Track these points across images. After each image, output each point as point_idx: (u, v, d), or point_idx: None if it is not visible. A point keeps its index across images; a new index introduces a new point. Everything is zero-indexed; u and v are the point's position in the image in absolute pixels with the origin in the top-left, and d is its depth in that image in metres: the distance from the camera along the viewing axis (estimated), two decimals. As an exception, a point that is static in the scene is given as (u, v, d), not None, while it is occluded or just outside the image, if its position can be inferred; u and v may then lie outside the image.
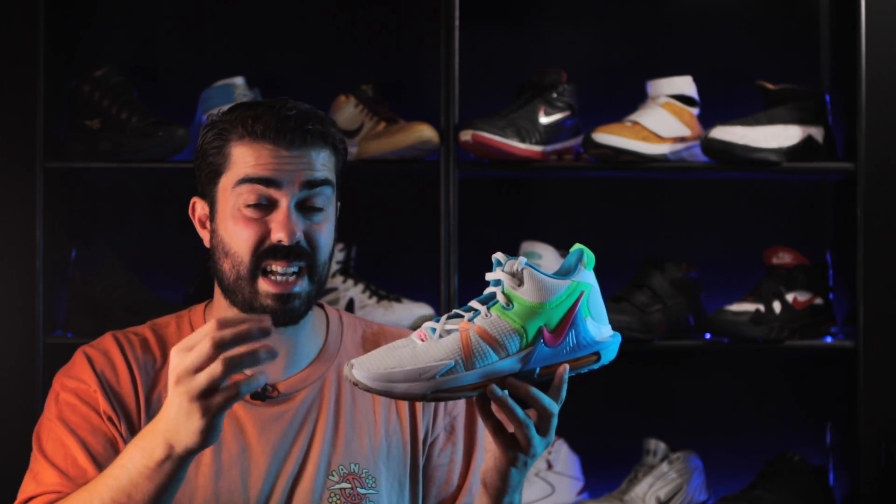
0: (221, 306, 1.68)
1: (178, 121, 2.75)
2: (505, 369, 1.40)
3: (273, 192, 1.60)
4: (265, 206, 1.60)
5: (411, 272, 2.95)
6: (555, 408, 1.44)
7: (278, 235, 1.59)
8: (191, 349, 1.38)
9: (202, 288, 2.74)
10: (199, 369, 1.38)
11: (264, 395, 1.66)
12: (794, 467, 2.80)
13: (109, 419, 1.63)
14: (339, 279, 2.81)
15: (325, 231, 1.64)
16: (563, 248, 2.84)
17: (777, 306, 2.79)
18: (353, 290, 2.80)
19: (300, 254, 1.60)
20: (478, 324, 1.41)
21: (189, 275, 2.81)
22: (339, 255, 2.83)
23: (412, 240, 2.96)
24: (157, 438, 1.43)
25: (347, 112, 2.80)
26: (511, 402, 1.41)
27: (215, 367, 1.37)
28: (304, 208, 1.62)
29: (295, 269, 1.61)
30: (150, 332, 1.71)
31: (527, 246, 2.84)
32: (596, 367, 1.46)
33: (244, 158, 1.60)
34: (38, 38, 2.69)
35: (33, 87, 2.70)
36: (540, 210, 3.01)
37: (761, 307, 2.78)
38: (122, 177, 2.92)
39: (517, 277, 1.42)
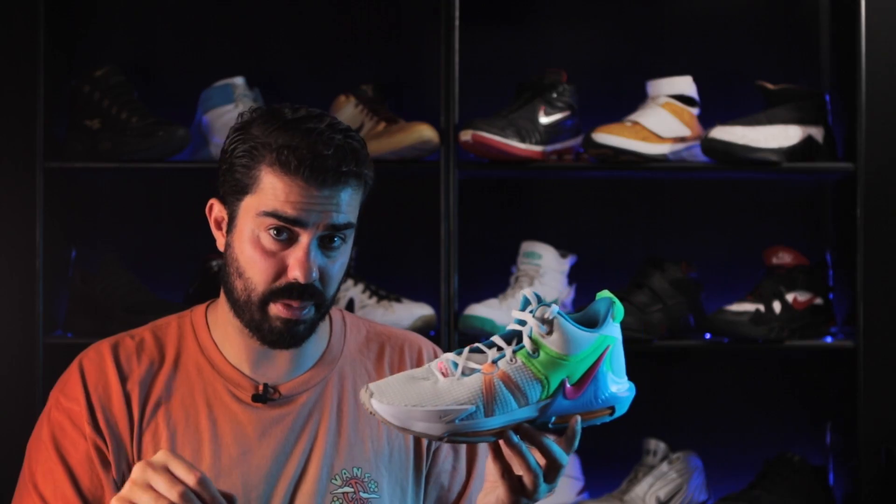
0: (226, 311, 1.66)
1: (178, 121, 2.75)
2: (523, 418, 1.40)
3: (296, 229, 1.57)
4: (284, 237, 1.58)
5: (411, 272, 2.95)
6: (565, 459, 1.44)
7: (295, 273, 1.57)
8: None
9: (202, 288, 2.74)
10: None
11: (265, 397, 1.65)
12: (794, 467, 2.80)
13: (96, 446, 1.62)
14: (339, 279, 2.81)
15: (339, 263, 1.62)
16: (563, 249, 2.84)
17: (777, 306, 2.79)
18: (353, 290, 2.80)
19: (313, 293, 1.59)
20: (502, 368, 1.39)
21: (189, 275, 2.81)
22: (339, 255, 2.83)
23: (412, 240, 2.95)
24: None
25: (347, 112, 2.80)
26: (525, 449, 1.41)
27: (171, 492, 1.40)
28: (324, 241, 1.60)
29: (306, 304, 1.60)
30: (149, 334, 1.70)
31: (527, 246, 2.84)
32: (608, 420, 1.45)
33: (274, 190, 1.56)
34: (38, 38, 2.69)
35: (33, 87, 2.70)
36: (540, 210, 3.01)
37: (761, 307, 2.78)
38: (122, 177, 2.92)
39: (547, 324, 1.40)
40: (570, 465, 2.84)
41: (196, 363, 1.67)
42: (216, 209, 1.65)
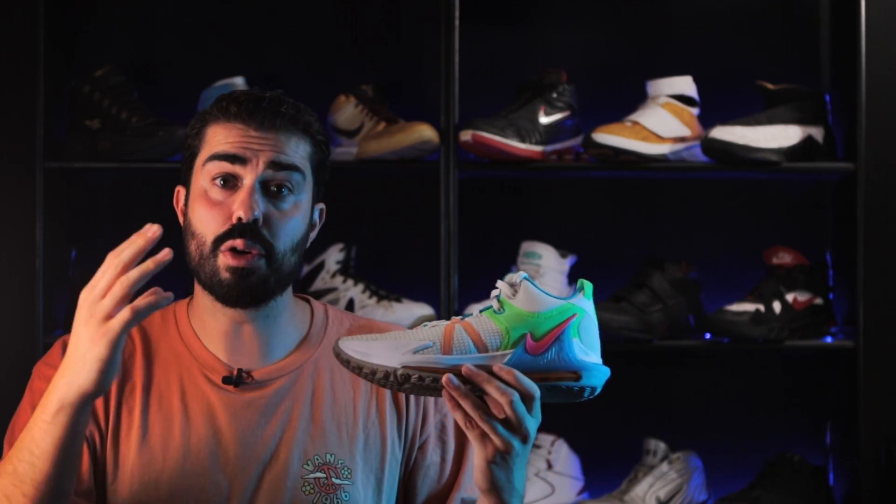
0: (198, 293, 1.71)
1: (178, 121, 2.75)
2: (480, 363, 1.43)
3: (238, 169, 1.62)
4: (231, 185, 1.62)
5: (411, 272, 2.95)
6: (512, 394, 1.42)
7: (238, 213, 1.60)
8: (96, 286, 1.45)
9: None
10: (104, 297, 1.45)
11: (238, 380, 1.67)
12: (794, 467, 2.80)
13: None
14: (339, 279, 2.81)
15: (291, 221, 1.64)
16: (563, 248, 2.85)
17: (777, 306, 2.79)
18: (353, 290, 2.80)
19: (256, 235, 1.61)
20: (465, 320, 1.45)
21: (189, 275, 2.81)
22: (339, 255, 2.83)
23: (412, 240, 2.96)
24: (53, 388, 1.48)
25: (347, 112, 2.80)
26: (465, 390, 1.42)
27: (116, 289, 1.44)
28: (270, 192, 1.63)
29: (252, 248, 1.61)
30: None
31: (527, 246, 2.84)
32: (576, 387, 1.46)
33: (216, 137, 1.64)
34: (38, 38, 2.69)
35: (33, 87, 2.70)
36: (540, 210, 3.01)
37: (761, 307, 2.78)
38: (122, 177, 2.92)
39: (514, 288, 1.44)
40: (571, 464, 2.84)
41: (174, 349, 1.70)
42: (181, 196, 1.71)
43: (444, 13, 2.72)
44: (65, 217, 2.84)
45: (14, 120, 2.76)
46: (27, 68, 2.71)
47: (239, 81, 2.77)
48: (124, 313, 1.43)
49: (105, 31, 2.96)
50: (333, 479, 1.67)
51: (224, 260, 1.61)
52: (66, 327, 2.77)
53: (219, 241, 1.61)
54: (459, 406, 1.43)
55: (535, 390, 1.43)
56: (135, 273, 1.46)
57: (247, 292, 1.63)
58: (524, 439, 1.45)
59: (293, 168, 1.63)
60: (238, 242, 1.60)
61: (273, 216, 1.62)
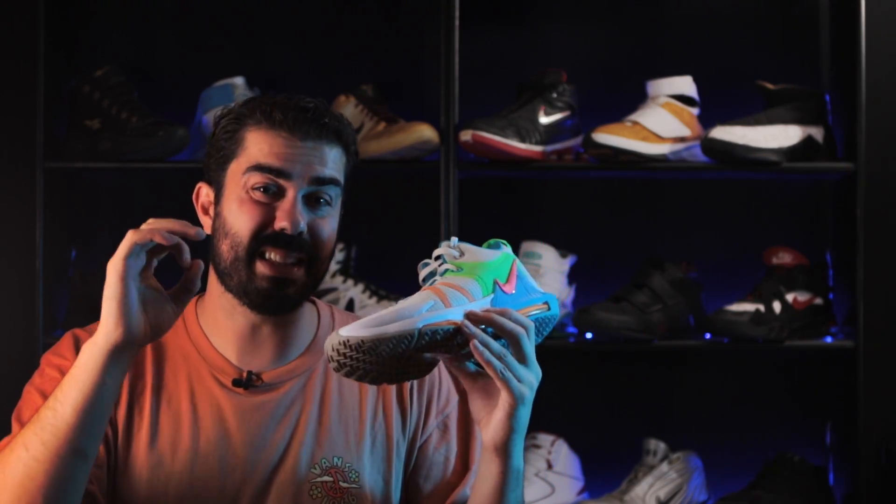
0: (214, 293, 1.69)
1: (178, 121, 2.75)
2: (480, 308, 1.47)
3: (282, 181, 1.61)
4: (273, 192, 1.62)
5: (411, 272, 2.94)
6: (520, 331, 1.45)
7: (282, 224, 1.60)
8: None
9: (203, 288, 2.74)
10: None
11: (248, 383, 1.67)
12: (794, 467, 2.80)
13: None
14: (339, 279, 2.81)
15: (329, 226, 1.65)
16: (563, 249, 2.85)
17: (777, 306, 2.79)
18: (353, 290, 2.80)
19: (301, 245, 1.61)
20: (438, 283, 1.49)
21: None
22: (339, 255, 2.83)
23: (412, 240, 2.95)
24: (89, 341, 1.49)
25: (347, 112, 2.80)
26: (485, 336, 1.43)
27: (142, 227, 1.48)
28: (311, 201, 1.64)
29: (293, 259, 1.62)
30: None
31: (527, 246, 2.84)
32: (548, 316, 1.53)
33: (258, 145, 1.62)
34: (38, 38, 2.70)
35: (33, 87, 2.70)
36: (540, 210, 3.01)
37: (761, 307, 2.78)
38: (122, 177, 2.92)
39: (457, 249, 1.51)
40: (571, 464, 2.84)
41: (183, 350, 1.70)
42: (203, 192, 1.70)
43: (444, 13, 2.72)
44: (65, 217, 2.84)
45: (14, 120, 2.76)
46: (27, 68, 2.71)
47: (239, 81, 2.77)
48: (128, 236, 1.46)
49: (105, 31, 2.96)
50: (341, 483, 1.67)
51: (262, 270, 1.61)
52: (66, 327, 2.77)
53: (258, 242, 1.61)
54: (490, 355, 1.43)
55: (530, 322, 1.47)
56: (165, 221, 1.48)
57: (284, 301, 1.64)
58: (537, 377, 1.48)
59: (333, 182, 1.64)
60: (279, 253, 1.61)
61: (314, 224, 1.63)
